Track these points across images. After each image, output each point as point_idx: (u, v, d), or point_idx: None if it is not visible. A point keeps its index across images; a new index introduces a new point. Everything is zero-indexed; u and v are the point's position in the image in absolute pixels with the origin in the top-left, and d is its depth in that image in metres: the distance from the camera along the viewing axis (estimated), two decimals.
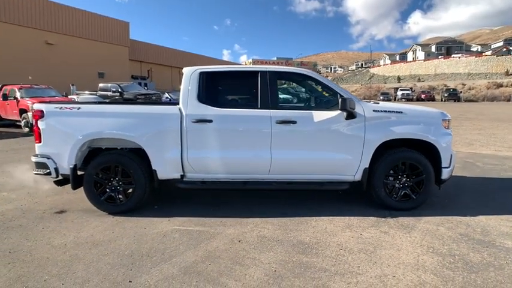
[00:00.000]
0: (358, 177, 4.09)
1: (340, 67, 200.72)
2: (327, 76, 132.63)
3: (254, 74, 4.14)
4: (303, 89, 4.67)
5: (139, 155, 4.11)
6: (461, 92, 45.94)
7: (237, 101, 4.29)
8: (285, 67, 4.30)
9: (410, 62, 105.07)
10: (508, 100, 43.24)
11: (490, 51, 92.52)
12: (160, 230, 3.64)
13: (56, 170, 4.06)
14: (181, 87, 4.12)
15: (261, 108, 4.03)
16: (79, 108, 4.02)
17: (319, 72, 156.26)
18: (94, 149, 4.25)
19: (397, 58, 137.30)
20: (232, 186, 4.14)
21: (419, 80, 79.29)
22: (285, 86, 6.12)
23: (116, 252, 3.14)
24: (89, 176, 4.06)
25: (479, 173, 6.12)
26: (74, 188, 4.13)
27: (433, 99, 44.40)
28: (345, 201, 4.50)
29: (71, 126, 4.01)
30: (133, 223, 3.83)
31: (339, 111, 3.99)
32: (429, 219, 3.86)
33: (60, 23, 26.09)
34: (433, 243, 3.27)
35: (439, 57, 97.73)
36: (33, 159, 4.15)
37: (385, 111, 4.07)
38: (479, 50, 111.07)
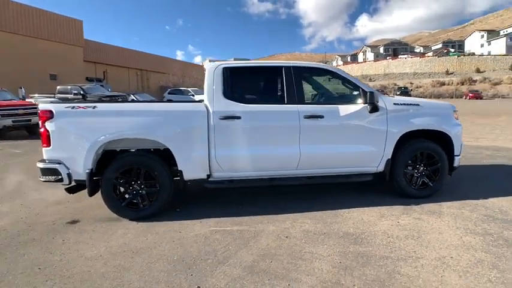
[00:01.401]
0: (381, 168, 4.22)
1: None
2: None
3: (278, 69, 4.10)
4: (323, 84, 4.73)
5: (160, 156, 3.89)
6: (411, 90, 49.31)
7: (263, 97, 4.21)
8: (307, 62, 4.31)
9: (361, 62, 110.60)
10: (451, 97, 47.18)
11: (431, 53, 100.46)
12: (197, 232, 3.47)
13: (69, 175, 3.71)
14: (205, 83, 3.97)
15: (287, 103, 4.00)
16: (94, 107, 3.71)
17: None
18: (107, 152, 3.94)
19: (349, 59, 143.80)
20: (260, 184, 4.07)
21: (370, 80, 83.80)
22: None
23: (163, 258, 2.94)
24: (107, 180, 3.75)
25: (464, 162, 6.58)
26: (91, 194, 3.80)
27: None
28: (360, 193, 4.62)
29: (87, 127, 3.68)
30: (164, 228, 3.61)
31: (362, 105, 4.08)
32: (449, 204, 4.09)
33: (3, 19, 23.79)
34: (466, 225, 3.47)
35: (388, 58, 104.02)
36: (41, 165, 3.75)
37: (404, 104, 4.25)
38: (421, 51, 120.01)
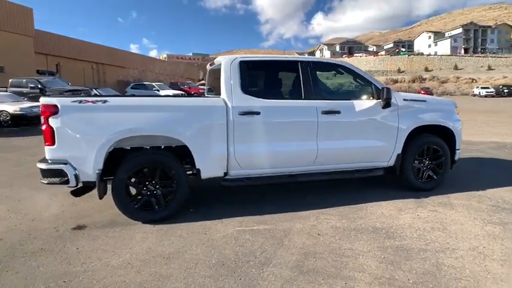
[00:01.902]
0: (391, 162, 4.32)
1: None
2: None
3: (295, 63, 4.03)
4: (335, 80, 4.73)
5: (174, 154, 3.67)
6: None
7: (280, 92, 4.11)
8: (323, 58, 4.27)
9: None
10: None
11: (384, 52, 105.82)
12: (224, 233, 3.32)
13: (77, 177, 3.36)
14: (222, 77, 3.78)
15: (305, 98, 3.95)
16: (105, 101, 3.38)
17: None
18: (115, 151, 3.62)
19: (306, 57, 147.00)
20: (278, 181, 3.98)
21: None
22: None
23: (201, 263, 2.76)
24: (120, 180, 3.46)
25: None
26: (102, 196, 3.48)
27: None
28: (368, 187, 4.71)
29: (97, 124, 3.36)
30: (185, 230, 3.40)
31: (376, 101, 4.14)
32: (456, 196, 4.30)
33: None
34: (481, 216, 3.66)
35: (344, 56, 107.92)
36: (43, 165, 3.37)
37: (412, 99, 4.38)
38: (374, 50, 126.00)
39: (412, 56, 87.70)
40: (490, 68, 70.49)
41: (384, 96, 4.01)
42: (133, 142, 3.55)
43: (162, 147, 3.71)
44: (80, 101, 3.33)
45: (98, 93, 18.36)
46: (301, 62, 4.03)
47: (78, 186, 3.50)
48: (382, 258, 2.79)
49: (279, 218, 3.68)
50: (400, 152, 4.29)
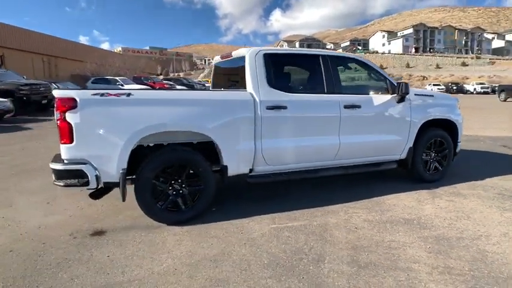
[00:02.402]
0: (403, 155, 4.45)
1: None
2: (203, 68, 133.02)
3: (316, 57, 3.99)
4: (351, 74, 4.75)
5: (199, 150, 3.49)
6: None
7: (304, 86, 4.05)
8: (341, 52, 4.28)
9: None
10: None
11: (341, 49, 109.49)
12: (261, 231, 3.21)
13: (98, 178, 3.06)
14: (248, 70, 3.64)
15: (327, 93, 3.93)
16: (129, 94, 3.11)
17: (195, 64, 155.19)
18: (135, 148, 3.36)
19: None
20: (303, 176, 3.93)
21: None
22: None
23: (253, 264, 2.65)
24: (145, 180, 3.21)
25: None
26: (125, 198, 3.21)
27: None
28: (374, 181, 4.81)
29: (121, 119, 3.08)
30: (218, 230, 3.25)
31: (391, 95, 4.23)
32: (461, 186, 4.53)
33: None
34: (494, 203, 3.88)
35: None
36: (58, 166, 3.03)
37: (423, 95, 4.54)
38: (332, 47, 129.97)
39: (367, 54, 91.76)
40: (438, 67, 75.84)
41: (403, 91, 4.10)
42: (159, 139, 3.31)
43: (186, 143, 3.50)
44: (102, 94, 3.03)
45: (58, 88, 17.02)
46: (323, 55, 4.01)
47: (97, 188, 3.19)
48: (428, 248, 2.85)
49: (308, 213, 3.64)
50: (412, 145, 4.43)
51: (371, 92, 4.29)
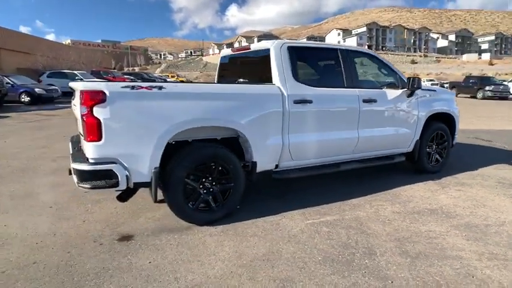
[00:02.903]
0: (410, 148, 4.62)
1: (170, 54, 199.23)
2: (159, 63, 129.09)
3: (335, 51, 3.99)
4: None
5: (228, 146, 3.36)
6: None
7: (326, 80, 4.00)
8: (358, 47, 4.31)
9: None
10: None
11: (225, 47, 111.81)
12: (299, 227, 3.16)
13: (128, 178, 2.82)
14: (274, 63, 3.54)
15: (347, 87, 3.95)
16: (161, 88, 2.89)
17: (150, 58, 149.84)
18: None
19: (225, 48, 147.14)
20: (326, 170, 3.92)
21: None
22: None
23: (308, 261, 2.59)
24: (178, 179, 3.02)
25: None
26: (157, 199, 2.99)
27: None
28: (379, 174, 4.95)
29: (154, 114, 2.85)
30: (254, 228, 3.14)
31: (401, 90, 4.35)
32: (461, 176, 4.81)
33: None
34: (500, 191, 4.16)
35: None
36: (84, 166, 2.74)
37: (427, 89, 4.72)
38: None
39: None
40: None
41: (415, 85, 4.23)
42: (187, 135, 3.12)
43: (218, 139, 3.35)
44: (132, 87, 2.78)
45: (11, 82, 15.56)
46: (341, 49, 4.02)
47: (125, 189, 2.94)
48: (465, 236, 2.98)
49: (335, 207, 3.65)
50: (418, 138, 4.60)
51: (383, 87, 4.37)
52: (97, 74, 26.46)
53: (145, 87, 2.82)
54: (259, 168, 3.45)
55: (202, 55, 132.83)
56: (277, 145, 3.48)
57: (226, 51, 4.63)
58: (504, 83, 24.36)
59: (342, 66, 3.95)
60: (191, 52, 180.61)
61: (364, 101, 3.99)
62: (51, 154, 6.15)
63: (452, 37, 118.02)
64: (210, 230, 3.12)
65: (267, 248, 2.79)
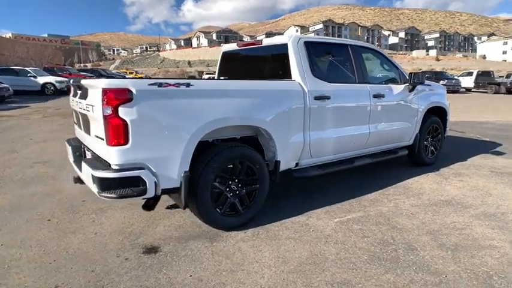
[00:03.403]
0: (411, 142, 4.75)
1: (124, 49, 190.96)
2: (113, 59, 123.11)
3: (345, 46, 3.96)
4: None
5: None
6: None
7: (340, 75, 3.93)
8: (363, 42, 4.31)
9: (197, 47, 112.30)
10: None
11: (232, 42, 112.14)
12: (330, 227, 3.10)
13: (156, 185, 2.58)
14: (293, 58, 3.42)
15: (358, 82, 3.95)
16: (188, 85, 2.66)
17: (103, 54, 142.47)
18: None
19: (182, 43, 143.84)
20: (341, 166, 3.89)
21: (208, 65, 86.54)
22: None
23: (355, 261, 2.54)
24: (206, 183, 2.81)
25: None
26: (187, 205, 2.77)
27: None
28: (379, 169, 5.05)
29: (183, 113, 2.63)
30: (285, 231, 3.03)
31: (404, 85, 4.44)
32: (456, 167, 5.04)
33: None
34: (497, 180, 4.41)
35: (221, 44, 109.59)
36: (109, 173, 2.45)
37: (425, 84, 4.85)
38: (249, 40, 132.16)
39: None
40: None
41: (418, 81, 4.33)
42: (218, 134, 2.92)
43: (238, 138, 3.19)
44: (160, 84, 2.53)
45: None
46: (351, 44, 4.00)
47: (151, 197, 2.68)
48: (488, 225, 3.10)
49: (356, 203, 3.64)
50: (418, 131, 4.74)
51: (390, 82, 4.43)
52: (51, 71, 24.62)
53: (173, 85, 2.58)
54: (281, 167, 3.34)
55: (158, 50, 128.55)
56: (300, 143, 3.39)
57: (230, 46, 4.43)
58: (455, 77, 26.19)
59: (353, 62, 3.94)
60: (146, 47, 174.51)
61: (374, 96, 4.01)
62: (23, 160, 5.55)
63: (402, 34, 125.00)
64: (240, 234, 2.96)
65: (307, 250, 2.69)
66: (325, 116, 3.57)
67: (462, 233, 2.96)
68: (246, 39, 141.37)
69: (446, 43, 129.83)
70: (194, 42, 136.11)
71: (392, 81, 4.44)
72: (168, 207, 3.53)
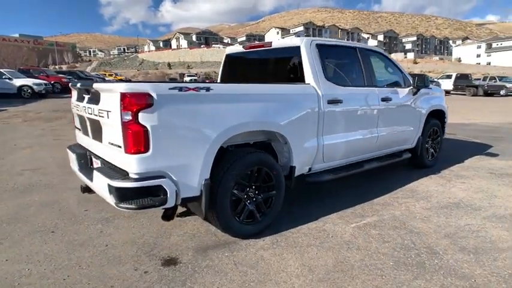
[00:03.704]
0: (414, 144, 4.80)
1: (101, 51, 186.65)
2: (90, 61, 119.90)
3: (354, 49, 3.96)
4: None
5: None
6: None
7: (349, 79, 3.90)
8: (370, 46, 4.31)
9: (177, 49, 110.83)
10: None
11: (238, 44, 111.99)
12: (349, 233, 3.06)
13: (177, 194, 2.46)
14: (306, 61, 3.37)
15: (367, 86, 3.95)
16: (208, 89, 2.56)
17: (79, 55, 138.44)
18: None
19: (161, 45, 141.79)
20: (352, 170, 3.87)
21: (188, 67, 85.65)
22: None
23: (382, 268, 2.51)
24: (226, 190, 2.72)
25: None
26: (207, 215, 2.67)
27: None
28: (380, 173, 5.07)
29: (203, 119, 2.53)
30: (304, 238, 2.97)
31: (408, 88, 4.49)
32: (455, 168, 5.13)
33: None
34: (498, 181, 4.51)
35: (202, 46, 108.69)
36: (128, 183, 2.32)
37: (427, 87, 4.92)
38: (229, 42, 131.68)
39: None
40: None
41: (422, 84, 4.39)
42: (234, 140, 2.83)
43: (252, 143, 3.12)
44: (180, 89, 2.42)
45: None
46: (359, 47, 4.00)
47: (171, 207, 2.57)
48: (501, 227, 3.15)
49: (367, 208, 3.63)
50: (420, 134, 4.80)
51: (395, 85, 4.45)
52: (26, 73, 23.66)
53: (193, 89, 2.48)
54: (296, 173, 3.28)
55: (137, 52, 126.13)
56: (314, 147, 3.35)
57: (235, 48, 4.34)
58: (435, 80, 26.98)
59: (362, 65, 3.94)
60: (124, 49, 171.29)
61: (382, 99, 4.02)
62: (11, 167, 5.27)
63: (380, 37, 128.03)
64: (259, 242, 2.88)
65: (332, 257, 2.64)
66: (338, 120, 3.55)
67: (479, 235, 2.99)
68: (227, 40, 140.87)
69: (423, 46, 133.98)
70: (173, 43, 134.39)
71: (396, 84, 4.46)
72: (177, 215, 3.40)
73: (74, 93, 3.18)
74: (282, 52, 3.75)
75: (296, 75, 3.51)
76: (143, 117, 2.27)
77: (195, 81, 47.08)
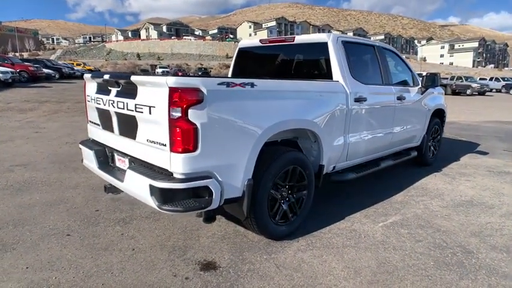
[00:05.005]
0: (419, 142, 4.91)
1: (65, 39, 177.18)
2: (54, 49, 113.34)
3: (373, 48, 3.95)
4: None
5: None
6: (210, 70, 52.98)
7: (371, 76, 3.86)
8: (384, 44, 4.32)
9: (146, 40, 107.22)
10: None
11: (209, 36, 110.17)
12: (379, 232, 3.06)
13: (222, 195, 2.33)
14: (334, 58, 3.30)
15: (384, 84, 3.96)
16: (253, 84, 2.43)
17: (42, 42, 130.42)
18: None
19: (130, 35, 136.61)
20: (372, 169, 3.88)
21: (158, 58, 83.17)
22: None
23: (426, 268, 2.52)
24: (265, 190, 2.62)
25: None
26: (247, 216, 2.55)
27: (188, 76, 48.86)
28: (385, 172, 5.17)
29: (249, 115, 2.40)
30: (337, 238, 2.94)
31: (418, 87, 4.56)
32: (455, 166, 5.31)
33: None
34: (500, 179, 4.69)
35: (172, 37, 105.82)
36: (176, 184, 2.15)
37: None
38: (200, 34, 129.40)
39: (237, 43, 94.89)
40: None
41: (431, 83, 4.47)
42: (277, 138, 2.74)
43: (279, 141, 3.01)
44: (228, 84, 2.27)
45: None
46: (377, 46, 4.00)
47: (214, 209, 2.42)
48: None
49: (388, 205, 3.67)
50: (425, 132, 4.91)
51: (406, 84, 4.49)
52: None
53: (239, 84, 2.34)
54: (325, 171, 3.23)
55: (104, 41, 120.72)
56: (341, 145, 3.31)
57: (249, 42, 4.20)
58: None
59: (380, 63, 3.94)
60: (90, 38, 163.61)
61: (398, 98, 4.06)
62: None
63: (350, 35, 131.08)
64: (294, 244, 2.81)
65: (373, 258, 2.62)
66: (362, 118, 3.53)
67: (503, 233, 3.09)
68: (198, 32, 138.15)
69: (391, 45, 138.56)
70: (143, 34, 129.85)
71: (407, 83, 4.52)
72: (197, 215, 3.25)
73: (92, 85, 2.92)
74: (306, 48, 3.67)
75: (321, 72, 3.45)
76: (193, 114, 2.11)
77: (167, 73, 45.76)
